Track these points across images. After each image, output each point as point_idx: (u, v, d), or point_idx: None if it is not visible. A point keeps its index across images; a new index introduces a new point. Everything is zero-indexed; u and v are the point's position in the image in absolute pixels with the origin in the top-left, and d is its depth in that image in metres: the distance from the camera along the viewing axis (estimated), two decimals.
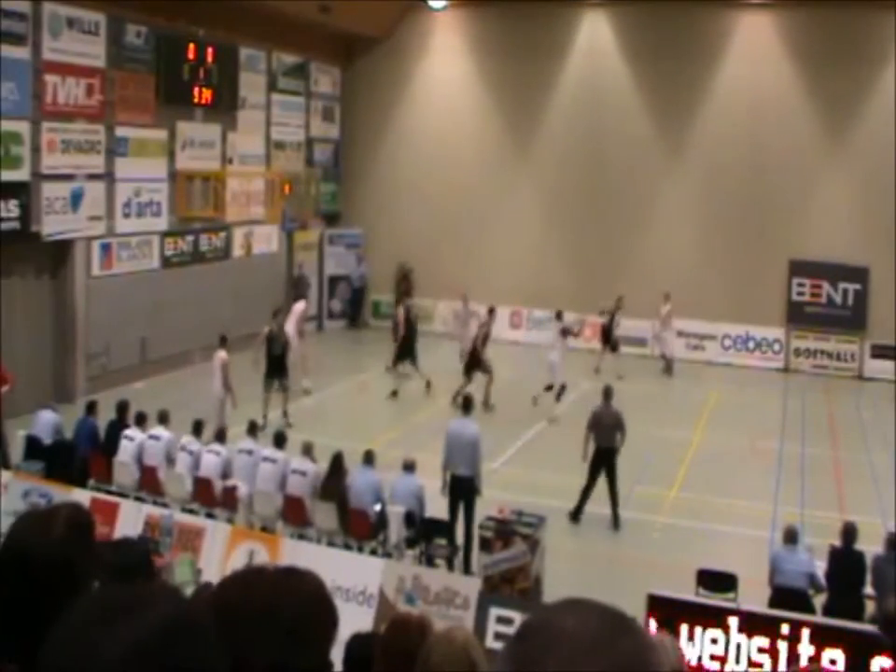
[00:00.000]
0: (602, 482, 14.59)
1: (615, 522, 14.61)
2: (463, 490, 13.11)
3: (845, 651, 9.42)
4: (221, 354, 17.71)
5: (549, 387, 20.29)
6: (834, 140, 25.99)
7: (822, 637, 9.58)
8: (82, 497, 12.84)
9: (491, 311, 21.79)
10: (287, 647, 1.85)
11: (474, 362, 20.86)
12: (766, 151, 26.29)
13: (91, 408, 15.30)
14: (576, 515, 14.66)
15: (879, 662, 9.11)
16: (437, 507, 13.09)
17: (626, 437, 14.60)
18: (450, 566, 12.48)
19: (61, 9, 19.44)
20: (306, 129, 29.08)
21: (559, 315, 22.33)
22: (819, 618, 10.13)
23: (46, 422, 15.09)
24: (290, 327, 20.66)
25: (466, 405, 14.06)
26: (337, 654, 2.12)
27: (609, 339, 24.21)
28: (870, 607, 10.63)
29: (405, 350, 21.89)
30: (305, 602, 1.92)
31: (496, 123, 28.89)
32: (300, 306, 21.96)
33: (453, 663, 2.75)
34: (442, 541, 12.73)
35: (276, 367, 18.77)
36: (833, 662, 9.46)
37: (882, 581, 10.52)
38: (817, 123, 26.12)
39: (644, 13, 26.86)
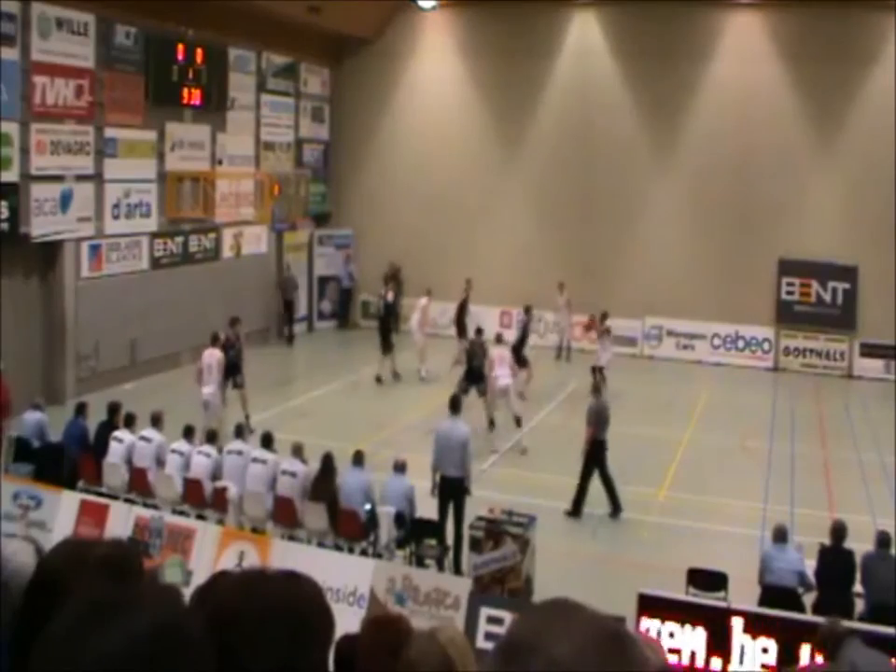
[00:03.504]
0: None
1: (616, 508, 14.78)
2: (453, 491, 13.08)
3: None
4: (217, 353, 17.47)
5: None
6: (824, 139, 26.05)
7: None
8: (72, 498, 12.83)
9: (469, 279, 24.20)
10: (289, 650, 1.85)
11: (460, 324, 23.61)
12: (756, 151, 26.34)
13: (81, 410, 15.25)
14: (576, 511, 14.74)
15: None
16: (427, 507, 13.10)
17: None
18: (440, 566, 12.48)
19: (50, 10, 19.39)
20: (296, 129, 29.05)
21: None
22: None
23: (30, 421, 15.07)
24: (414, 320, 23.53)
25: (454, 405, 13.88)
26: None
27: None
28: (859, 605, 10.67)
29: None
30: (307, 605, 1.92)
31: (485, 123, 28.90)
32: (423, 301, 23.84)
33: (429, 660, 2.74)
34: (432, 542, 12.73)
35: (230, 369, 18.12)
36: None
37: (871, 579, 10.56)
38: (806, 123, 26.18)
39: (634, 13, 26.89)
